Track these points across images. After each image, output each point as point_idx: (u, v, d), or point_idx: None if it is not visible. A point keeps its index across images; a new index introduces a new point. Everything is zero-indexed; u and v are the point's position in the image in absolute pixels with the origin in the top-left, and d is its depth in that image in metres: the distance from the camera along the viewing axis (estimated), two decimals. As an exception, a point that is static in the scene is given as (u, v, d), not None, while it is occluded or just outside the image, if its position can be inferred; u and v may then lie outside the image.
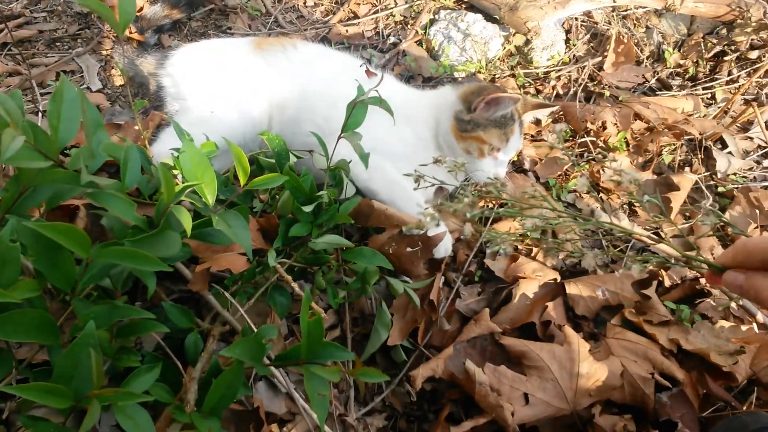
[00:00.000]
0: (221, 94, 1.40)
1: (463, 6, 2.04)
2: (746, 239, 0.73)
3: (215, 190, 0.91)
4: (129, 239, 0.80)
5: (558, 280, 1.33)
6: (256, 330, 0.95)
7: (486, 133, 1.38)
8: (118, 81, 1.71)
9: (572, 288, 1.31)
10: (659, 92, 1.82)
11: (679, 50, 1.92)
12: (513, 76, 1.83)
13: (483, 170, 1.41)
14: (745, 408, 1.17)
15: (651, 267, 1.38)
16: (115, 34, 1.81)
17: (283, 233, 1.11)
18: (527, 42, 1.90)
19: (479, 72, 1.83)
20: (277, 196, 1.19)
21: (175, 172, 1.06)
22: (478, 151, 1.39)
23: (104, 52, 1.80)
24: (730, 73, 1.82)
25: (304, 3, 2.11)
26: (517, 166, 1.60)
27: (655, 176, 1.58)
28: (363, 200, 1.23)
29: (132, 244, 0.79)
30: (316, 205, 1.12)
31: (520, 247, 1.43)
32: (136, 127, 1.41)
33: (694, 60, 1.86)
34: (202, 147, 1.07)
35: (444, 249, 1.31)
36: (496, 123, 1.38)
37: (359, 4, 2.09)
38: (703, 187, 1.59)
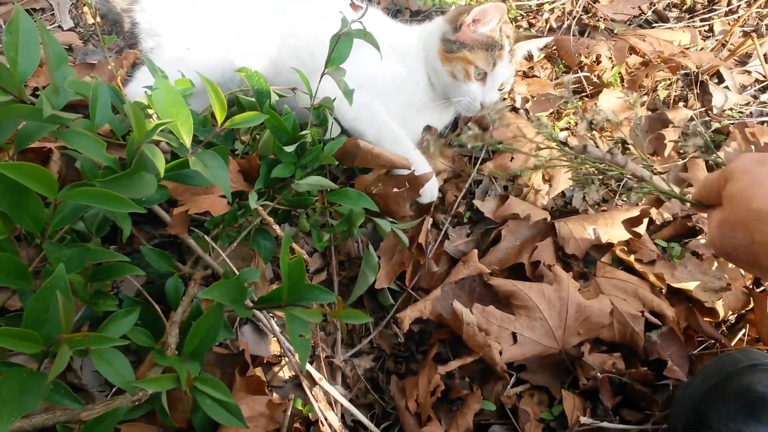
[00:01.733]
0: (197, 29, 1.33)
1: (453, -65, 1.94)
2: (706, 176, 0.75)
3: (191, 129, 0.87)
4: (99, 180, 0.76)
5: (548, 220, 1.31)
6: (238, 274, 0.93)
7: (472, 53, 1.33)
8: (91, 19, 1.63)
9: (562, 228, 1.28)
10: (656, 24, 1.75)
11: (677, -20, 1.84)
12: (505, 9, 1.76)
13: (470, 96, 1.37)
14: (734, 344, 1.17)
15: (642, 200, 1.36)
16: (86, -31, 1.71)
17: (264, 174, 1.07)
18: (520, -27, 1.81)
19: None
20: (258, 137, 1.15)
21: (151, 111, 1.02)
22: (464, 73, 1.35)
23: (76, -11, 1.71)
24: (729, 4, 1.75)
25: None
26: (508, 105, 1.55)
27: (650, 112, 1.54)
28: (349, 140, 1.19)
29: (102, 185, 0.76)
30: (299, 145, 1.08)
31: (510, 187, 1.40)
32: (110, 66, 1.35)
33: (693, -10, 1.79)
34: (177, 84, 1.03)
35: (430, 194, 1.28)
36: (483, 44, 1.34)
37: (344, -66, 1.99)
38: (699, 123, 1.55)
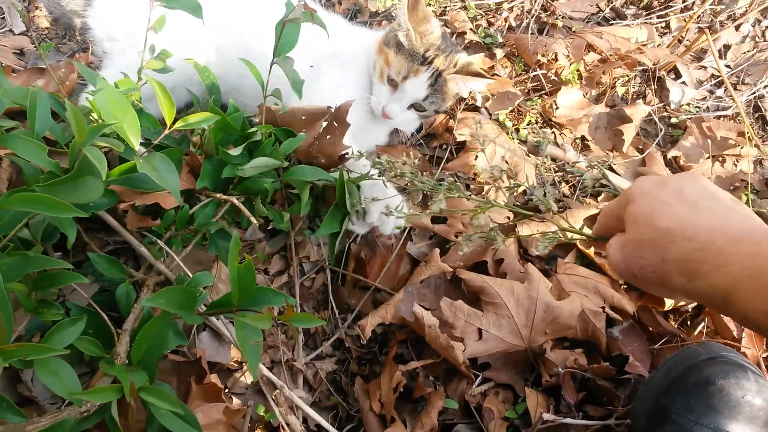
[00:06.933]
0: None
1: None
2: (605, 205, 0.75)
3: (138, 131, 0.84)
4: (40, 185, 0.74)
5: (510, 218, 1.31)
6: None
7: (396, 56, 1.23)
8: (44, 23, 1.59)
9: (525, 229, 1.28)
10: (613, 22, 1.77)
11: (634, -22, 1.86)
12: (464, 8, 1.76)
13: (377, 97, 1.29)
14: (694, 337, 1.18)
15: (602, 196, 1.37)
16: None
17: (209, 173, 1.04)
18: (479, -28, 1.82)
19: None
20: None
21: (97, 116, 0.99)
22: (379, 71, 1.27)
23: (28, -8, 1.67)
24: (684, 0, 1.78)
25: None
26: (468, 104, 1.55)
27: (608, 109, 1.55)
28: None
29: (43, 190, 0.73)
30: (250, 142, 1.06)
31: (472, 186, 1.40)
32: (62, 71, 1.32)
33: (649, -12, 1.81)
34: (119, 84, 0.99)
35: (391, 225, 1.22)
36: (407, 52, 1.22)
37: (304, -64, 1.97)
38: (656, 119, 1.57)
